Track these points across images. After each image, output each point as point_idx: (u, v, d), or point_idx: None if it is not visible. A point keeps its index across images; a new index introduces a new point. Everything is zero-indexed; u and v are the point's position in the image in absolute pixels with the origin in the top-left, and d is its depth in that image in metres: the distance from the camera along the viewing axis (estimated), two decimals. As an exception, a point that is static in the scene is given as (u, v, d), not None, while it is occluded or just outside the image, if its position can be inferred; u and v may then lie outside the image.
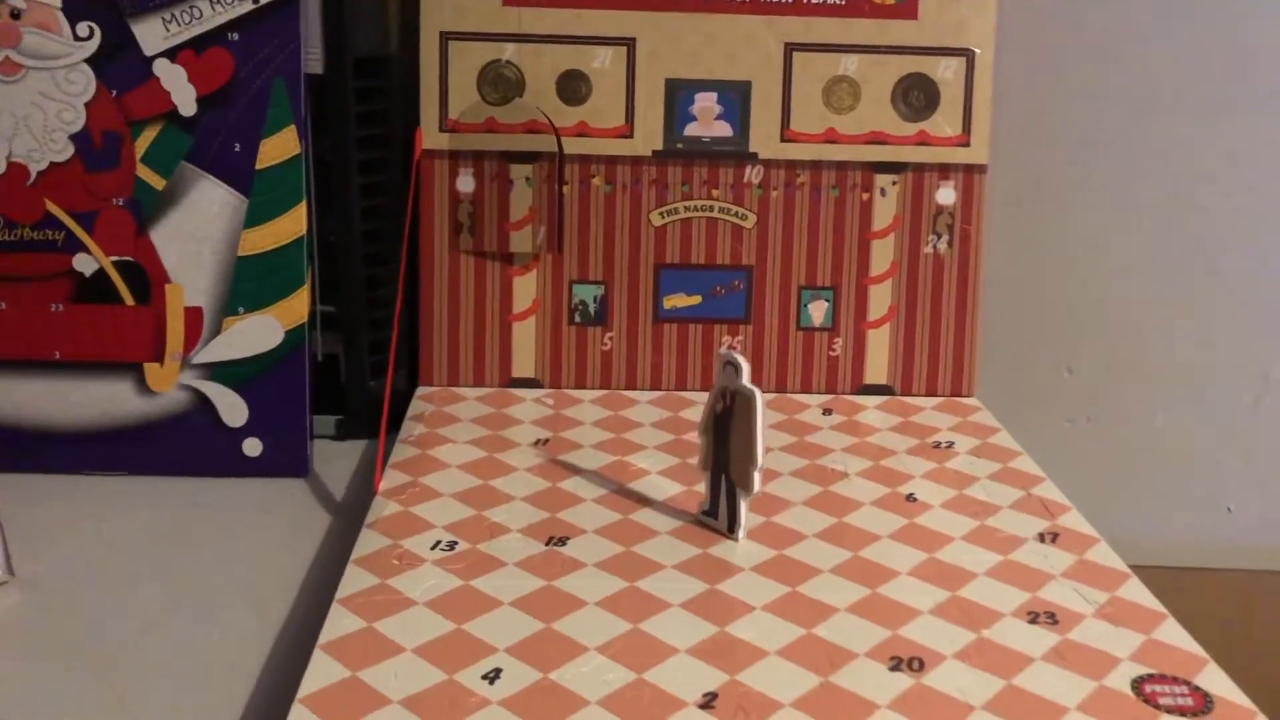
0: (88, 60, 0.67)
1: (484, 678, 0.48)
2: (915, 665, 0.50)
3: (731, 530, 0.60)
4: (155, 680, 0.52)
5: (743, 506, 0.60)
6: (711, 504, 0.61)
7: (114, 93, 0.67)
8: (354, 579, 0.55)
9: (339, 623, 0.52)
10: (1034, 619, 0.54)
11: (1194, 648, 0.52)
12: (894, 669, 0.49)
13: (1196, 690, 0.49)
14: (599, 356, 0.80)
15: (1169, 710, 0.47)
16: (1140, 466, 0.94)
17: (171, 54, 0.67)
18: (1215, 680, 0.49)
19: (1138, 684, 0.49)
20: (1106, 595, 0.56)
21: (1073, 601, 0.55)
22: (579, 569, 0.57)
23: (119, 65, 0.67)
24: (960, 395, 0.81)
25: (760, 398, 0.58)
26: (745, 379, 0.58)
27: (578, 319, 0.80)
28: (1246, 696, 0.48)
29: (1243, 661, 0.93)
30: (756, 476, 0.59)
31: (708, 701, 0.47)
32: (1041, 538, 0.61)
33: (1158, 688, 0.49)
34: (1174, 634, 0.53)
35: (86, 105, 0.67)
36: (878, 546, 0.60)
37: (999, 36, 0.79)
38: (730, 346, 0.81)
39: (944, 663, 0.50)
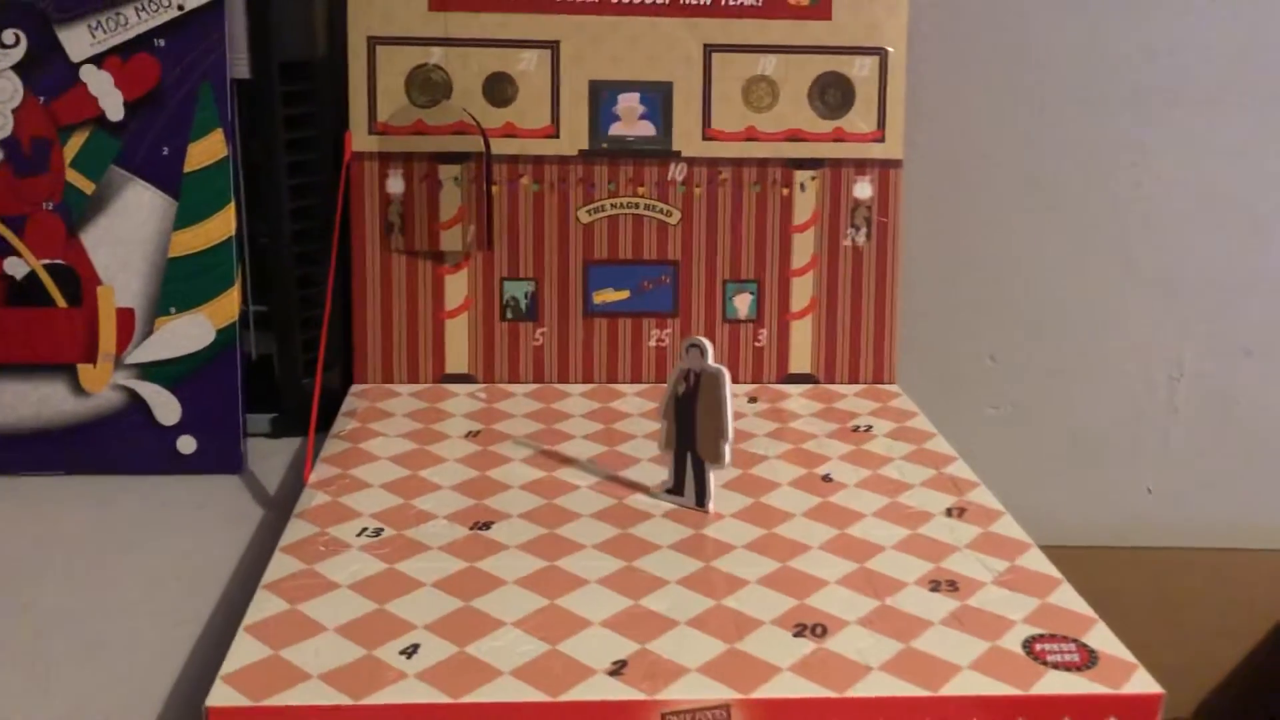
0: (14, 67, 0.68)
1: (402, 653, 0.50)
2: (818, 631, 0.52)
3: (701, 503, 0.63)
4: (84, 666, 0.53)
5: (711, 479, 0.63)
6: (676, 481, 0.64)
7: (42, 99, 0.69)
8: (280, 565, 0.57)
9: (264, 605, 0.53)
10: (935, 587, 0.56)
11: (1084, 609, 0.54)
12: (797, 635, 0.52)
13: (1083, 647, 0.51)
14: (531, 351, 0.82)
15: (1055, 666, 0.50)
16: (1062, 450, 0.97)
17: (98, 60, 0.69)
18: (1102, 638, 0.52)
19: (1028, 643, 0.51)
20: (1007, 564, 0.58)
21: (974, 570, 0.58)
22: (501, 550, 0.59)
23: (46, 72, 0.69)
24: (881, 382, 0.84)
25: (728, 375, 0.61)
26: (711, 360, 0.61)
27: (509, 315, 0.82)
28: (1130, 652, 0.51)
29: (1165, 636, 0.97)
30: (727, 449, 0.62)
31: (617, 669, 0.49)
32: (949, 512, 0.64)
33: (1047, 646, 0.51)
34: (1067, 598, 0.55)
35: (14, 112, 0.69)
36: (792, 524, 0.62)
37: (911, 35, 0.82)
38: (659, 341, 0.83)
39: (846, 628, 0.52)
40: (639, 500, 0.64)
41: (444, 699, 0.47)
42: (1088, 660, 0.50)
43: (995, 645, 0.51)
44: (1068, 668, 0.50)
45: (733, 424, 0.62)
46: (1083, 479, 0.98)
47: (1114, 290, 0.95)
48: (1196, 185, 0.93)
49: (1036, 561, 0.59)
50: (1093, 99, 0.91)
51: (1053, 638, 0.52)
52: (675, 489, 0.64)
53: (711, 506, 0.63)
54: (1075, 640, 0.52)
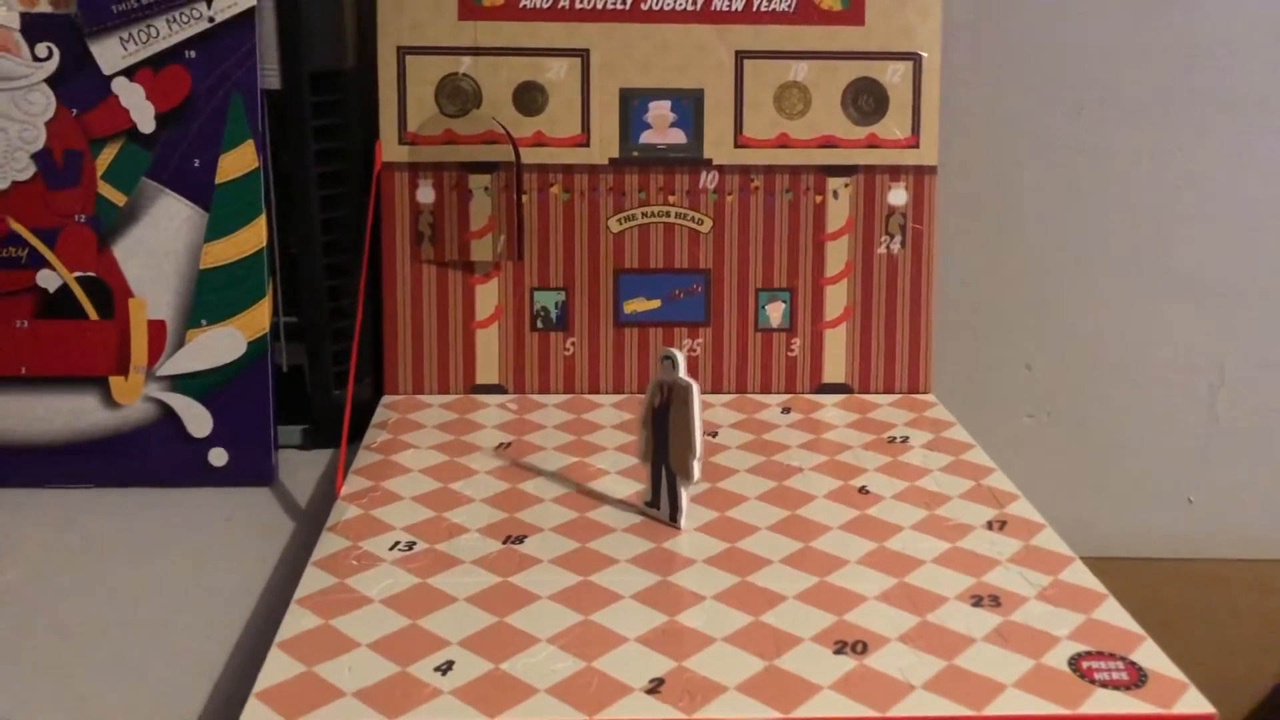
0: (47, 80, 0.68)
1: (436, 669, 0.49)
2: (859, 648, 0.51)
3: (673, 519, 0.62)
4: (117, 681, 0.53)
5: (684, 495, 0.62)
6: (653, 495, 0.63)
7: (74, 111, 0.69)
8: (313, 580, 0.56)
9: (297, 621, 0.53)
10: (978, 602, 0.55)
11: (1132, 625, 0.53)
12: (838, 652, 0.51)
13: (1131, 665, 0.50)
14: (561, 362, 0.82)
15: (1104, 685, 0.49)
16: (1101, 460, 0.96)
17: (130, 72, 0.69)
18: (1150, 655, 0.51)
19: (1075, 661, 0.50)
20: (1050, 578, 0.57)
21: (1017, 585, 0.57)
22: (534, 565, 0.58)
23: (78, 85, 0.69)
24: (917, 392, 0.82)
25: (697, 389, 0.60)
26: (682, 372, 0.60)
27: (540, 325, 0.82)
28: (1180, 670, 0.50)
29: (1207, 649, 0.95)
30: (696, 465, 0.61)
31: (654, 687, 0.48)
32: (990, 525, 0.63)
33: (1094, 664, 0.50)
34: (1113, 613, 0.54)
35: (47, 124, 0.69)
36: (828, 537, 0.61)
37: (945, 40, 0.81)
38: (691, 351, 0.82)
39: (887, 645, 0.51)
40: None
41: (480, 718, 0.46)
42: (1137, 679, 0.49)
43: (1040, 663, 0.50)
44: (1116, 686, 0.48)
45: (701, 440, 0.60)
46: (1122, 489, 0.96)
47: (1153, 297, 0.93)
48: (1236, 190, 0.91)
49: (1080, 576, 0.58)
50: (1131, 102, 0.90)
51: (1100, 655, 0.51)
52: (652, 501, 0.63)
53: (684, 523, 0.61)
54: (1123, 658, 0.50)
